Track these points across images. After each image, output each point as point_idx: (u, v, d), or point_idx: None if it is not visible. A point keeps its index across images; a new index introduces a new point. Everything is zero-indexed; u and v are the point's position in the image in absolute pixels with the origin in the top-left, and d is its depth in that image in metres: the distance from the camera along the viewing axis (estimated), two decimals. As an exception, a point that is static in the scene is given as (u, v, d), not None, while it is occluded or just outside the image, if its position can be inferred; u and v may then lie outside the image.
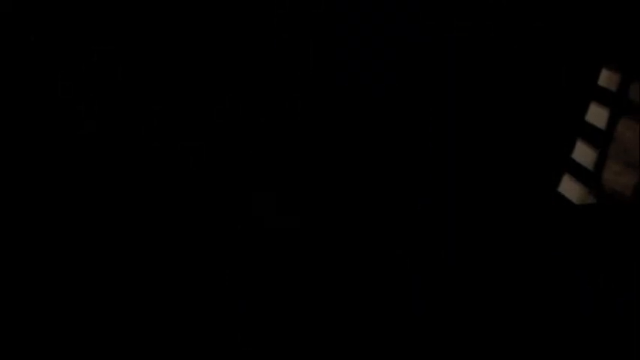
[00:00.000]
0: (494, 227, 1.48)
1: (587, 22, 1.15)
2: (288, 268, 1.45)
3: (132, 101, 2.19)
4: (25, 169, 1.98)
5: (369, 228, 1.53)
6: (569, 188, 1.32)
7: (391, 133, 1.61)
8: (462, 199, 1.59)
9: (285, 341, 1.36)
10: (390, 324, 1.31)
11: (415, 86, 1.64)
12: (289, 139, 1.75)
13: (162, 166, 2.19)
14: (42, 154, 1.98)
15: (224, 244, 1.76)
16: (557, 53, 1.22)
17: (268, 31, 1.99)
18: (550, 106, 1.25)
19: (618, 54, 1.21)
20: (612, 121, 1.26)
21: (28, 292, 1.67)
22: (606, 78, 1.26)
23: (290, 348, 1.37)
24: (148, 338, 1.51)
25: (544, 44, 1.23)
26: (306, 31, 1.67)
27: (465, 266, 1.51)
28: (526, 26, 1.26)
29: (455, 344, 1.30)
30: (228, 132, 2.22)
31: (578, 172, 1.31)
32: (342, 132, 1.63)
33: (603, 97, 1.27)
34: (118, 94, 2.14)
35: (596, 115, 1.28)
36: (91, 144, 2.09)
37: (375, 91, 1.63)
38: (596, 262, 1.23)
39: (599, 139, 1.26)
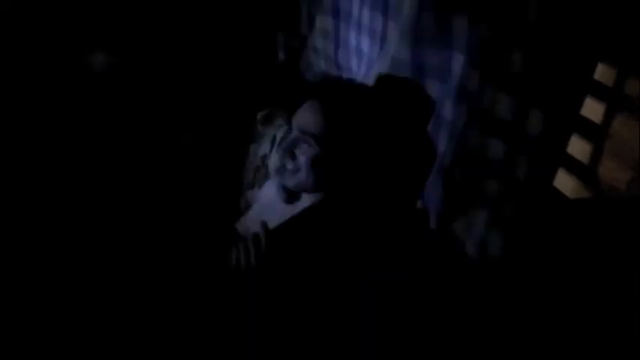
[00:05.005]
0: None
1: (584, 15, 1.15)
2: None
3: (131, 100, 2.19)
4: (23, 168, 1.99)
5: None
6: (564, 182, 1.32)
7: None
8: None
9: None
10: None
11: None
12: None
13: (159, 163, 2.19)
14: (41, 152, 1.99)
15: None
16: (553, 46, 1.22)
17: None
18: (545, 100, 1.25)
19: (615, 48, 1.21)
20: (608, 116, 1.26)
21: (27, 292, 1.67)
22: (602, 72, 1.26)
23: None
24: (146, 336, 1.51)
25: (540, 37, 1.23)
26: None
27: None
28: (522, 19, 1.26)
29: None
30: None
31: (573, 166, 1.32)
32: None
33: (599, 91, 1.27)
34: (118, 94, 2.15)
35: (592, 109, 1.28)
36: (89, 143, 2.10)
37: None
38: (593, 255, 1.23)
39: (594, 133, 1.27)
